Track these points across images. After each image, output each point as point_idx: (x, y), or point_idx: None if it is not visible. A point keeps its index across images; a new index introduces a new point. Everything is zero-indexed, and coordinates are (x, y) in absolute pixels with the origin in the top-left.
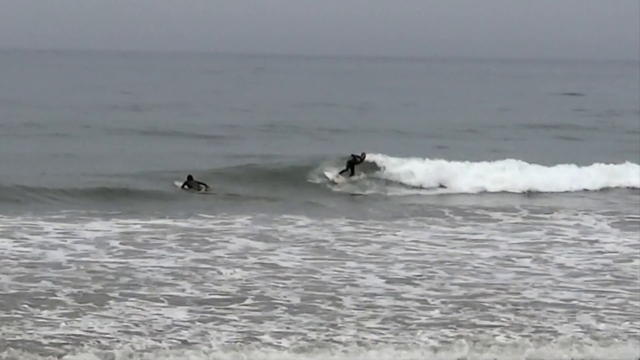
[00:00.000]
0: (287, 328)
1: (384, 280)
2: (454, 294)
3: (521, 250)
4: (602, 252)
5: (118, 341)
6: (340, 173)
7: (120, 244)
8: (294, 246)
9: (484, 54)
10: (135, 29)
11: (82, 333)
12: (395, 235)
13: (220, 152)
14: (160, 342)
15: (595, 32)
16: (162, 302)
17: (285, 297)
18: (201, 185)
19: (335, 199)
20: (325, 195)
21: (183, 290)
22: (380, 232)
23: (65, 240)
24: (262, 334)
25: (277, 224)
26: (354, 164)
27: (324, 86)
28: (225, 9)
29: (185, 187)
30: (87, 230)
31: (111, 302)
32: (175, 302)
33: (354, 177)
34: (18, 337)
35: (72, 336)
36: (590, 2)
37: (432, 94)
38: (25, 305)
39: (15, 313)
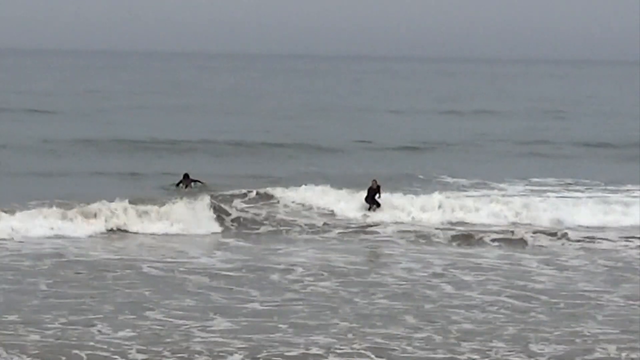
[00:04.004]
0: None
1: None
2: None
3: None
4: None
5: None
6: (369, 209)
7: None
8: None
9: (489, 55)
10: (138, 30)
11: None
12: None
13: None
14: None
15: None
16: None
17: None
18: (196, 182)
19: None
20: None
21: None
22: None
23: None
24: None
25: None
26: (374, 192)
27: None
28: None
29: (180, 185)
30: None
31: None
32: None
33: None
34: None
35: None
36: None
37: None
38: None
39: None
